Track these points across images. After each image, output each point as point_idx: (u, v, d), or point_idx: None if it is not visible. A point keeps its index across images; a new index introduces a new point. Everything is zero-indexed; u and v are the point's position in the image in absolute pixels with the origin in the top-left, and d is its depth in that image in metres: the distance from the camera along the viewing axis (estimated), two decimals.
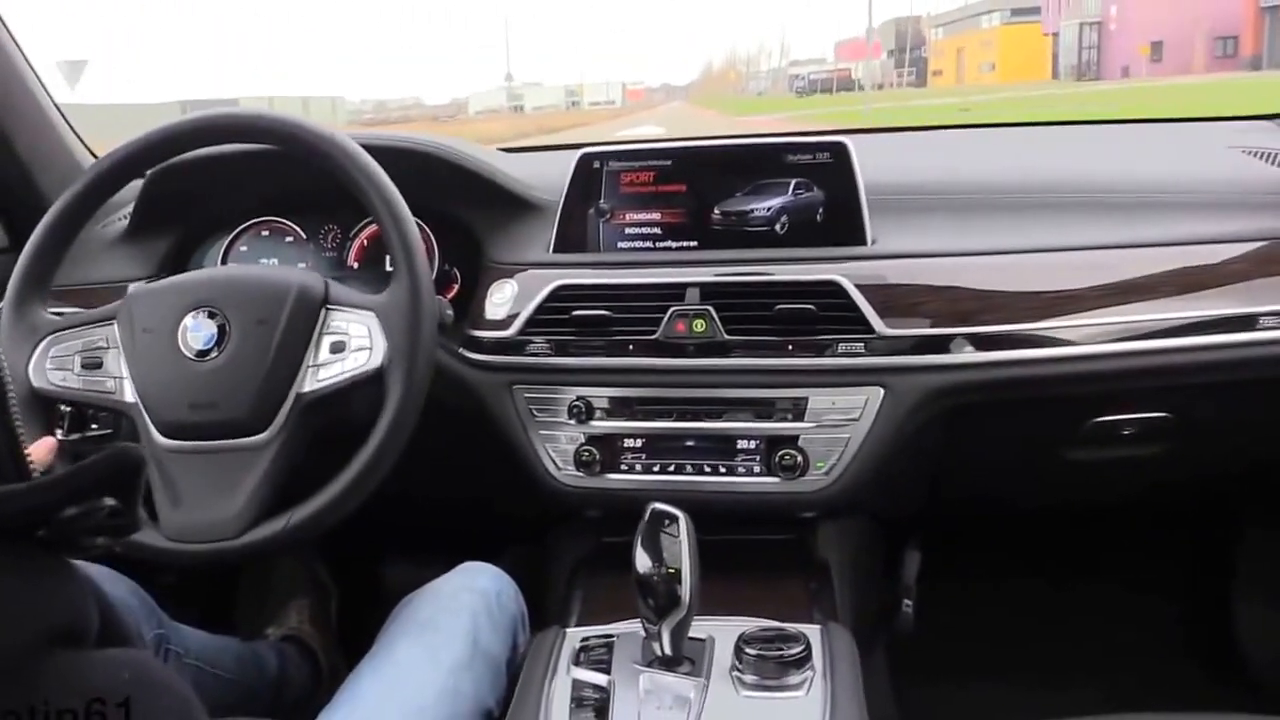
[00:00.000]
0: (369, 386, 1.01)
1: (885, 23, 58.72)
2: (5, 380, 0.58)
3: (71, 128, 1.56)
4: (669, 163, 1.27)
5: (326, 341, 1.02)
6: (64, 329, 1.08)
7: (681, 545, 0.90)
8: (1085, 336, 1.17)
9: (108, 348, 1.06)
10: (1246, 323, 1.16)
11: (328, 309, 1.03)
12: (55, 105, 1.55)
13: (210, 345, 1.02)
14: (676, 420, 1.20)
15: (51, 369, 1.07)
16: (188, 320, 1.03)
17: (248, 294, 1.03)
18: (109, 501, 0.54)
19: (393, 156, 1.10)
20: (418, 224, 1.07)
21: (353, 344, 1.01)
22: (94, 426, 1.14)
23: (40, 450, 0.78)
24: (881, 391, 1.16)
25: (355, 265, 1.44)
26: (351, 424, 1.03)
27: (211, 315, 1.03)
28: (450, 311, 1.12)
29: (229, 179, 1.37)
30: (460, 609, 1.04)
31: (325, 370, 1.01)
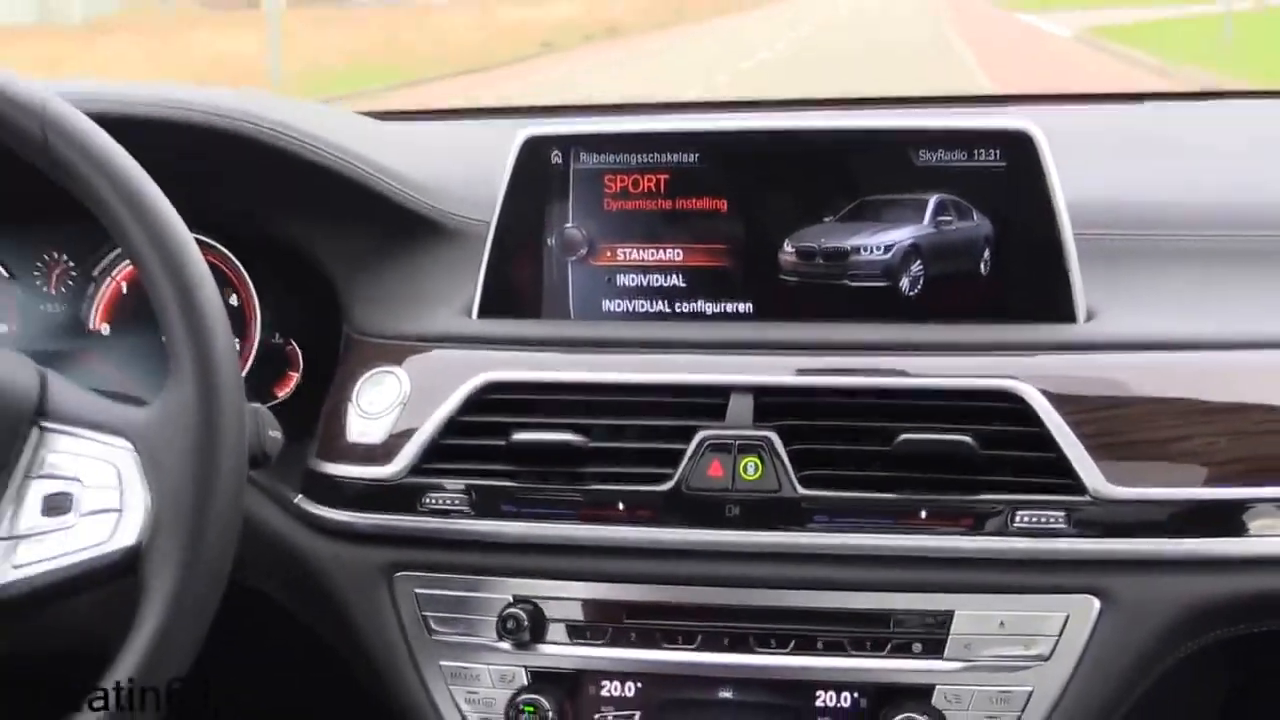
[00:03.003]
0: (109, 584, 0.75)
1: None
2: None
3: None
4: (694, 157, 0.95)
5: (36, 493, 0.75)
6: None
7: None
8: None
9: None
10: None
11: (42, 429, 0.76)
12: None
13: None
14: (701, 650, 0.90)
15: None
16: None
17: None
18: None
19: (164, 138, 0.90)
20: (223, 256, 0.94)
21: (85, 501, 0.75)
22: None
23: None
24: (1096, 605, 0.86)
25: (103, 330, 1.12)
26: (71, 654, 0.83)
27: None
28: (276, 433, 0.81)
29: None
30: None
31: (30, 549, 0.75)
